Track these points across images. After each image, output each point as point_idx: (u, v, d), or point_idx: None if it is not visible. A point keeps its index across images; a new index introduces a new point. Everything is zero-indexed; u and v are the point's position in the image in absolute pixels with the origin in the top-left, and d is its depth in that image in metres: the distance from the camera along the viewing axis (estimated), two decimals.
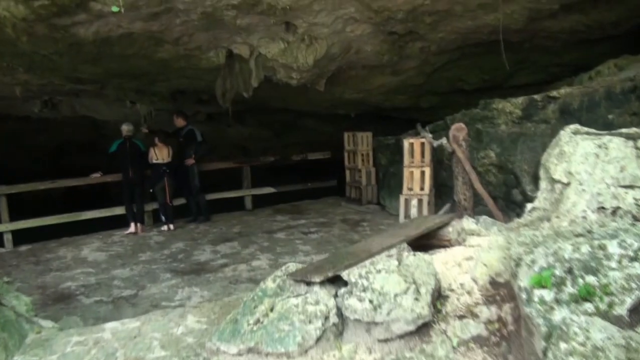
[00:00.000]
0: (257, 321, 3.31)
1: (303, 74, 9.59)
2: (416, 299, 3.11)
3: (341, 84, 11.33)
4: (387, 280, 3.19)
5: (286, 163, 12.57)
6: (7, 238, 9.73)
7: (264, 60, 9.38)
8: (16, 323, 4.33)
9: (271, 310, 3.33)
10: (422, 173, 7.84)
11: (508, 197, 7.80)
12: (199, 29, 8.01)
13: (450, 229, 4.09)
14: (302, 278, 3.34)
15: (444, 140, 6.96)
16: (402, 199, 7.94)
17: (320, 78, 10.34)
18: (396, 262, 3.34)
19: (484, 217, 5.42)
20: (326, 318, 3.17)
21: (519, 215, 7.95)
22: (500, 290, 3.39)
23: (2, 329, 4.06)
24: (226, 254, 8.32)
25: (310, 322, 3.14)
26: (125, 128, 10.23)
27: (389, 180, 10.58)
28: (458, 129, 6.43)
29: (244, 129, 18.03)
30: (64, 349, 3.97)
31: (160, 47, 8.48)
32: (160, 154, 10.18)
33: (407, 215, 7.97)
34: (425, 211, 7.84)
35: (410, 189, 7.90)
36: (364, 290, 3.18)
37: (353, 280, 3.25)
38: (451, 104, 12.37)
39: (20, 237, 9.96)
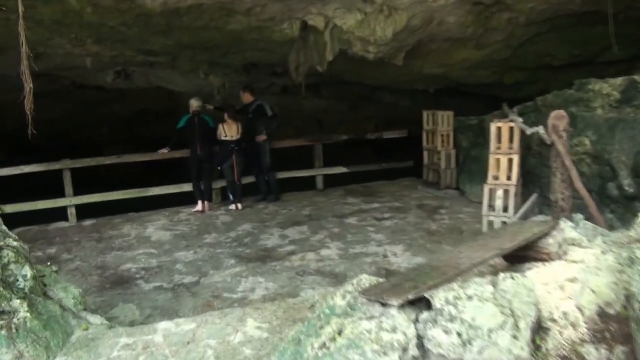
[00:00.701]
0: (323, 345, 2.79)
1: (380, 47, 9.05)
2: (514, 337, 2.55)
3: (420, 58, 10.73)
4: (480, 310, 2.63)
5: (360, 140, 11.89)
6: (71, 212, 9.57)
7: (339, 32, 8.92)
8: (62, 318, 4.00)
9: (339, 333, 2.79)
10: (510, 161, 7.12)
11: (602, 191, 7.05)
12: None
13: (550, 240, 3.45)
14: (377, 298, 2.79)
15: (540, 129, 6.19)
16: (486, 188, 7.27)
17: (399, 52, 9.76)
18: (491, 287, 2.75)
19: (581, 218, 4.77)
20: (404, 350, 2.62)
21: (613, 212, 7.29)
22: (610, 324, 2.85)
23: (44, 326, 3.73)
24: (294, 240, 7.87)
25: (385, 353, 2.60)
26: (194, 103, 9.89)
27: (470, 164, 9.87)
28: (558, 117, 5.61)
29: (319, 101, 17.73)
30: (110, 353, 3.60)
31: (232, 18, 8.16)
32: (229, 131, 9.79)
33: (490, 206, 7.29)
34: (511, 203, 7.14)
35: (496, 178, 7.21)
36: (452, 320, 2.62)
37: (438, 305, 2.70)
38: (537, 80, 11.92)
39: (85, 210, 9.82)
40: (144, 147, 20.67)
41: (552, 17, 8.84)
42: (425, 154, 10.84)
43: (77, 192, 9.70)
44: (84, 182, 10.03)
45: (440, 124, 10.19)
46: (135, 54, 9.86)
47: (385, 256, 6.95)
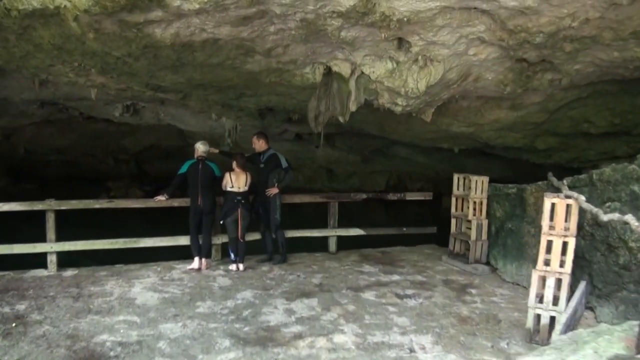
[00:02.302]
0: None
1: (410, 100, 8.29)
2: None
3: (449, 116, 10.12)
4: None
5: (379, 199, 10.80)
6: (51, 260, 8.41)
7: (366, 81, 8.20)
8: None
9: None
10: (565, 244, 6.00)
11: None
12: (295, 39, 6.97)
13: None
14: None
15: (629, 218, 5.10)
16: (535, 275, 6.13)
17: (429, 107, 9.05)
18: None
19: None
20: None
21: None
22: None
23: None
24: (302, 318, 6.68)
25: None
26: (201, 147, 8.85)
27: (505, 238, 8.74)
28: None
29: (332, 152, 17.52)
30: None
31: (250, 57, 7.49)
32: (236, 181, 8.73)
33: (538, 296, 6.15)
34: (564, 294, 6.00)
35: (547, 264, 6.09)
36: None
37: None
38: (570, 147, 11.50)
39: (68, 257, 8.82)
40: (149, 184, 20.88)
41: (596, 82, 8.22)
42: (453, 221, 9.70)
43: (64, 231, 8.67)
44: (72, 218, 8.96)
45: (473, 190, 9.08)
46: (143, 89, 9.35)
47: (412, 350, 5.77)
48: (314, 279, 8.43)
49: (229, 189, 8.69)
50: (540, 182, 8.17)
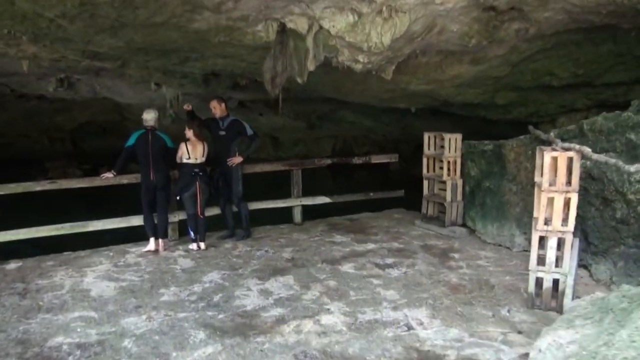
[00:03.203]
0: None
1: (372, 57, 7.67)
2: None
3: (408, 73, 9.52)
4: None
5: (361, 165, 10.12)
6: None
7: (325, 37, 7.48)
8: None
9: None
10: (567, 201, 5.48)
11: None
12: None
13: None
14: None
15: None
16: (535, 236, 5.59)
17: (390, 64, 8.38)
18: None
19: None
20: None
21: None
22: None
23: None
24: (281, 299, 5.99)
25: None
26: (148, 117, 7.96)
27: (483, 198, 8.23)
28: None
29: (277, 119, 17.09)
30: None
31: (198, 14, 6.76)
32: (193, 152, 7.90)
33: (540, 259, 5.64)
34: (567, 255, 5.50)
35: (548, 223, 5.56)
36: None
37: None
38: (531, 102, 11.24)
39: (9, 247, 7.87)
40: (87, 162, 19.99)
41: (561, 32, 7.70)
42: (425, 183, 9.13)
43: (2, 219, 7.83)
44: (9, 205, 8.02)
45: (447, 149, 8.52)
46: (79, 57, 8.62)
47: (409, 327, 5.18)
48: (285, 253, 7.73)
49: (185, 160, 7.88)
50: (522, 137, 7.68)
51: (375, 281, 6.49)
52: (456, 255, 7.50)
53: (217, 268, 7.12)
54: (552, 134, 6.86)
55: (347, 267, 7.04)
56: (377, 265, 7.12)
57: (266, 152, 20.06)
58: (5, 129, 17.37)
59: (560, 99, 10.87)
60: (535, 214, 6.05)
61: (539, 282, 5.72)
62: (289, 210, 9.59)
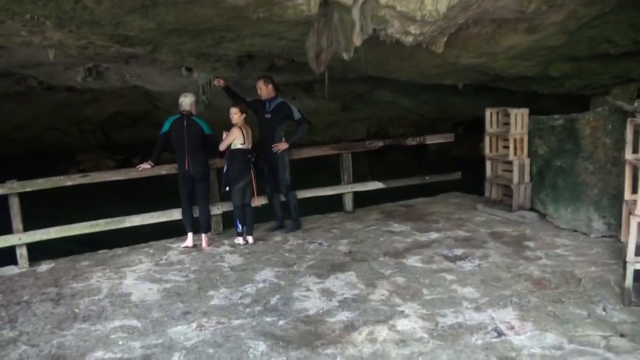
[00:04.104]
0: None
1: (425, 27, 7.03)
2: None
3: (458, 46, 9.00)
4: None
5: (397, 146, 9.37)
6: (21, 254, 6.84)
7: (373, 8, 6.86)
8: None
9: None
10: None
11: None
12: None
13: None
14: None
15: None
16: (634, 222, 4.83)
17: (442, 35, 7.78)
18: None
19: None
20: None
21: None
22: None
23: None
24: (346, 300, 5.28)
25: None
26: (184, 100, 7.29)
27: (555, 178, 7.44)
28: None
29: (311, 101, 16.49)
30: None
31: None
32: (247, 136, 7.24)
33: (638, 248, 4.87)
34: None
35: None
36: None
37: None
38: (585, 73, 10.58)
39: (41, 247, 7.23)
40: (120, 153, 19.74)
41: None
42: (487, 164, 8.36)
43: (33, 217, 7.14)
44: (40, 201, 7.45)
45: (513, 126, 7.73)
46: (107, 42, 8.07)
47: (499, 333, 4.46)
48: (341, 246, 7.03)
49: (239, 146, 7.19)
50: (599, 109, 6.88)
51: (449, 276, 5.77)
52: (531, 244, 6.74)
53: (269, 265, 6.44)
54: (637, 103, 6.07)
55: (413, 261, 6.32)
56: (445, 257, 6.39)
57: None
58: (36, 122, 17.20)
59: (615, 68, 10.22)
60: (627, 196, 5.30)
61: (637, 275, 4.95)
62: (335, 197, 8.90)
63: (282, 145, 7.59)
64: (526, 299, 5.14)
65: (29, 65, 10.67)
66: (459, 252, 6.55)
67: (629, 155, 5.27)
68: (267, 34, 8.07)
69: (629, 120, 5.34)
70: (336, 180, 8.91)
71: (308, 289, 5.62)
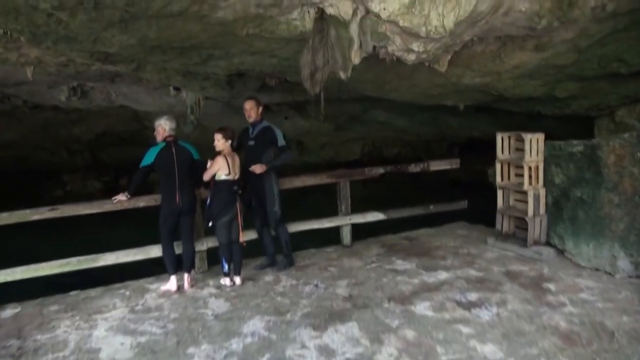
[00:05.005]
0: None
1: (429, 45, 6.62)
2: None
3: (461, 65, 8.54)
4: None
5: (401, 173, 8.69)
6: None
7: (373, 23, 6.44)
8: None
9: None
10: None
11: None
12: None
13: None
14: None
15: None
16: None
17: (446, 53, 7.39)
18: None
19: None
20: None
21: None
22: None
23: None
24: None
25: None
26: (167, 125, 6.59)
27: (574, 210, 6.77)
28: None
29: (304, 121, 16.43)
30: None
31: (223, 0, 5.76)
32: (233, 166, 6.52)
33: None
34: None
35: None
36: None
37: None
38: (593, 93, 10.09)
39: (4, 289, 6.51)
40: (107, 173, 19.21)
41: (636, 9, 6.65)
42: (499, 194, 7.67)
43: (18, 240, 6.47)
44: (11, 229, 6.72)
45: (527, 152, 7.07)
46: (87, 60, 7.87)
47: None
48: (339, 288, 6.28)
49: (224, 177, 6.46)
50: (625, 135, 6.24)
51: (464, 329, 5.04)
52: (551, 287, 6.03)
53: (259, 312, 5.68)
54: None
55: (423, 308, 5.58)
56: (459, 303, 5.66)
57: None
58: (23, 142, 16.88)
59: (624, 88, 9.77)
60: None
61: None
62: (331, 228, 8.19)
63: (258, 168, 6.80)
64: (556, 359, 4.44)
65: (9, 84, 10.28)
66: (472, 297, 5.83)
67: None
68: (257, 52, 7.65)
69: None
70: (331, 203, 8.22)
71: (303, 346, 4.86)
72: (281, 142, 6.98)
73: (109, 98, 11.87)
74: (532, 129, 7.74)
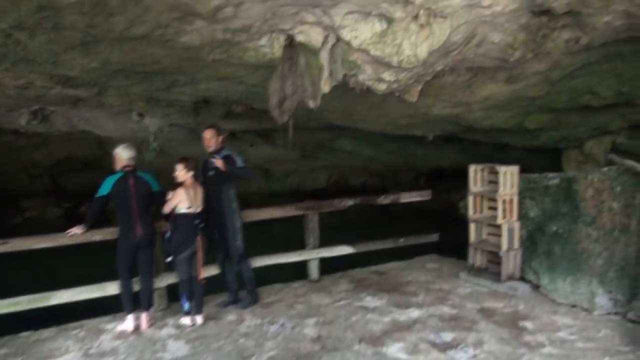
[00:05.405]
0: None
1: (401, 74, 6.60)
2: None
3: (431, 95, 8.68)
4: None
5: (371, 205, 8.43)
6: None
7: (344, 51, 6.37)
8: None
9: None
10: None
11: None
12: None
13: None
14: None
15: None
16: None
17: (417, 83, 7.31)
18: None
19: None
20: None
21: None
22: None
23: None
24: None
25: None
26: (125, 154, 6.26)
27: (549, 245, 6.57)
28: None
29: (271, 149, 16.28)
30: None
31: (188, 24, 5.67)
32: (195, 198, 6.18)
33: None
34: None
35: None
36: None
37: None
38: (563, 125, 10.27)
39: None
40: (68, 199, 18.69)
41: (609, 43, 6.75)
42: (472, 227, 7.45)
43: None
44: None
45: (501, 185, 6.88)
46: (47, 83, 7.60)
47: None
48: (307, 328, 5.94)
49: (184, 210, 6.12)
50: (604, 169, 6.08)
51: None
52: (528, 325, 5.79)
53: (221, 356, 5.31)
54: None
55: (396, 350, 5.27)
56: (433, 345, 5.36)
57: (257, 185, 19.21)
58: None
59: (594, 120, 9.94)
60: None
61: None
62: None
63: (220, 163, 6.44)
64: None
65: None
66: (447, 337, 5.55)
67: None
68: (224, 78, 7.61)
69: None
70: (298, 232, 7.94)
71: None
72: (240, 163, 6.64)
73: (70, 123, 11.53)
74: (500, 160, 7.67)
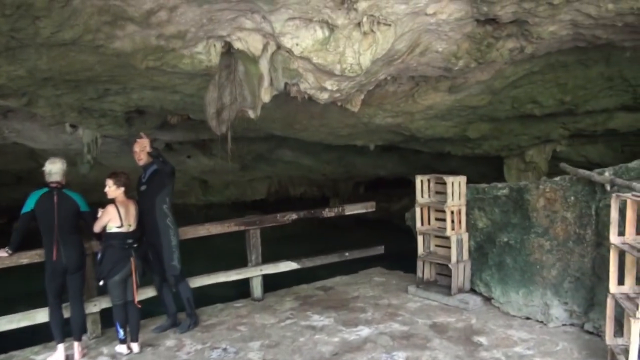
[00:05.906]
0: None
1: (343, 83, 6.49)
2: None
3: (374, 105, 8.61)
4: None
5: (315, 218, 8.13)
6: None
7: (285, 59, 6.24)
8: None
9: None
10: None
11: None
12: None
13: None
14: None
15: None
16: (610, 303, 3.86)
17: (360, 92, 7.27)
18: None
19: None
20: None
21: None
22: None
23: None
24: None
25: None
26: (53, 168, 5.73)
27: (500, 256, 6.40)
28: None
29: (208, 160, 15.66)
30: None
31: (120, 29, 5.50)
32: (126, 217, 5.72)
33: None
34: None
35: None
36: None
37: None
38: (505, 134, 10.48)
39: None
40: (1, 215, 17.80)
41: (552, 53, 6.97)
42: (419, 239, 7.24)
43: None
44: None
45: (450, 196, 6.70)
46: None
47: None
48: (251, 352, 5.57)
49: (115, 229, 5.68)
50: (557, 179, 5.96)
51: None
52: (483, 340, 5.60)
53: None
54: (607, 173, 5.20)
55: None
56: None
57: (194, 197, 18.93)
58: None
59: (536, 129, 10.18)
60: (613, 288, 4.37)
61: None
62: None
63: (145, 140, 6.09)
64: None
65: None
66: (400, 356, 5.28)
67: (614, 238, 4.32)
68: (158, 87, 7.37)
69: (613, 196, 4.42)
70: (239, 245, 7.58)
71: None
72: (168, 169, 6.20)
73: (1, 135, 11.13)
74: (440, 169, 7.62)
